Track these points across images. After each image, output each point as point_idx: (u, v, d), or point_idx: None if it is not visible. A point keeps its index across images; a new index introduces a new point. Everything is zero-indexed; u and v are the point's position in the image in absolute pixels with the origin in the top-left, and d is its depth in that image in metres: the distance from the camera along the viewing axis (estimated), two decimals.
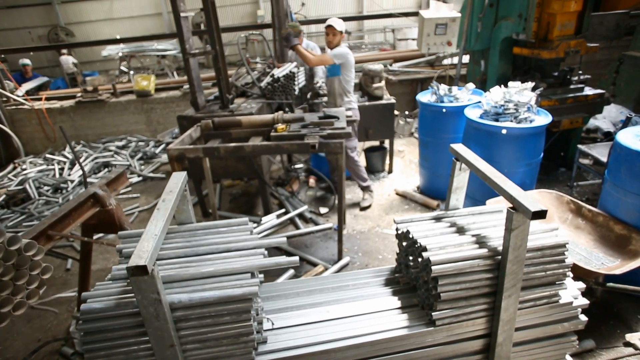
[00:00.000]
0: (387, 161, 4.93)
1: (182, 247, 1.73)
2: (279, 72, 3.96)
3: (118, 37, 11.15)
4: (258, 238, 1.79)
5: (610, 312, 2.43)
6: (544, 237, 1.67)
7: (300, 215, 4.06)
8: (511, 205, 1.51)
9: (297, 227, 3.87)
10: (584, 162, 3.85)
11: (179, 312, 1.39)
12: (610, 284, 2.09)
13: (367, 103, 4.47)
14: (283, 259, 1.55)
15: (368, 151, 4.94)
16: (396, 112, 4.91)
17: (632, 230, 2.37)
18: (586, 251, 2.45)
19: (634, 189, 2.35)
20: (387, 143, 4.91)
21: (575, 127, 3.76)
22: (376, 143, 5.21)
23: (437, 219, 1.95)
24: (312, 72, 4.40)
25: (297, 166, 5.19)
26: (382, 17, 8.80)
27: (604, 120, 4.96)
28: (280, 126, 2.84)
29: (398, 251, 2.04)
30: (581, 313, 1.76)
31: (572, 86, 3.83)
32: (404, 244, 1.91)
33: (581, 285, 1.80)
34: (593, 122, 4.97)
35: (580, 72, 3.95)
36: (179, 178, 1.82)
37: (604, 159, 3.13)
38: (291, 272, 3.10)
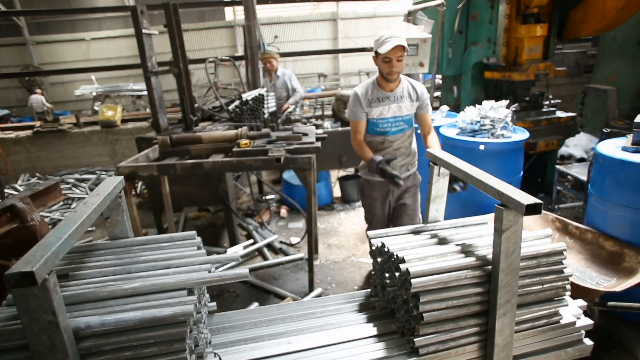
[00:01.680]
0: None
1: (111, 264, 1.42)
2: (247, 95, 3.80)
3: (92, 74, 10.94)
4: (205, 254, 1.50)
5: (612, 340, 2.19)
6: (538, 244, 1.45)
7: (270, 246, 3.74)
8: (500, 203, 1.30)
9: (266, 258, 3.53)
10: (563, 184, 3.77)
11: (86, 342, 1.06)
12: (612, 303, 1.87)
13: (340, 128, 4.34)
14: (230, 272, 1.26)
15: (343, 180, 4.75)
16: None
17: (624, 246, 2.20)
18: (578, 271, 2.24)
19: (621, 201, 2.20)
20: None
21: (551, 149, 3.71)
22: (351, 171, 5.04)
23: (416, 232, 1.72)
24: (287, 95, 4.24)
25: (268, 197, 4.92)
26: (355, 52, 8.93)
27: (575, 147, 4.99)
28: (243, 141, 2.62)
29: (373, 272, 1.77)
30: (585, 336, 1.51)
31: (544, 109, 3.83)
32: (379, 259, 1.65)
33: (582, 303, 1.56)
34: (566, 150, 4.99)
35: (551, 96, 3.97)
36: (112, 182, 1.53)
37: (584, 177, 3.03)
38: (255, 305, 2.74)
